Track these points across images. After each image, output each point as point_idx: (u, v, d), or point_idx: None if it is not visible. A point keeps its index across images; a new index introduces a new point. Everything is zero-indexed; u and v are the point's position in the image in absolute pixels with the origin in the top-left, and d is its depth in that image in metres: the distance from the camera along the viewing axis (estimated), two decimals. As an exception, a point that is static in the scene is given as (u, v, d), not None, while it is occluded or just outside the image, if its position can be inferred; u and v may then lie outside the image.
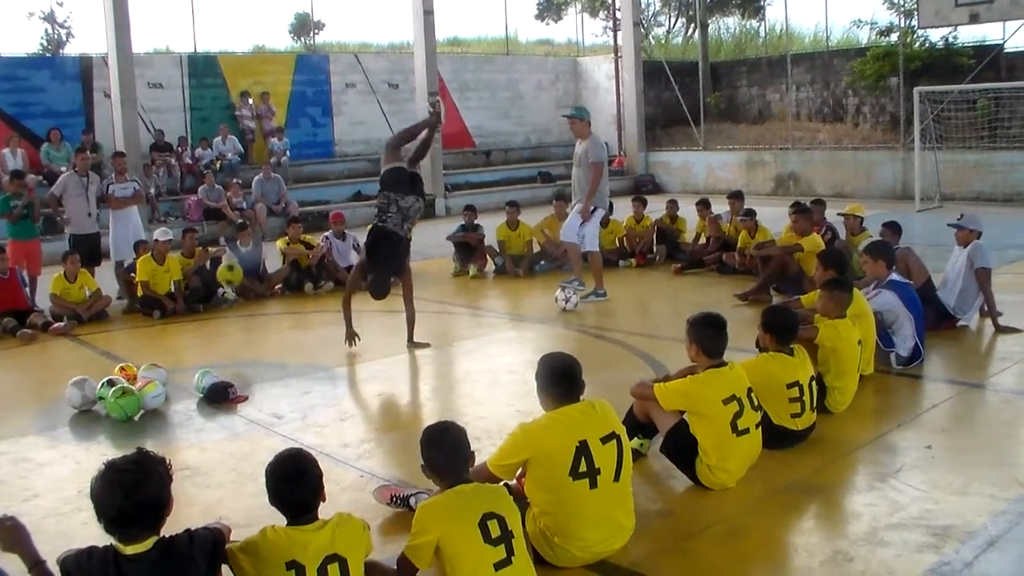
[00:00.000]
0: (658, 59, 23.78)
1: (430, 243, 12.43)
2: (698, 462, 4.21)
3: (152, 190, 15.01)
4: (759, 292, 8.66)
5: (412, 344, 7.33)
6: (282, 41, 27.82)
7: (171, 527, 2.77)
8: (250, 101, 18.17)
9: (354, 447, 5.11)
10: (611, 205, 10.11)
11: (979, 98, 16.70)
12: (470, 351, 7.57)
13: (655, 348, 6.99)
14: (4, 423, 5.87)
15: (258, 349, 7.95)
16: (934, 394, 5.69)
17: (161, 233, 9.49)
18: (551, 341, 7.52)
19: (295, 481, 2.93)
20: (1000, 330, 7.02)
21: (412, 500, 4.02)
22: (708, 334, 4.35)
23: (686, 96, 22.03)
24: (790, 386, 4.61)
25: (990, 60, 17.86)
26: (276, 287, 10.32)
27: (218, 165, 16.74)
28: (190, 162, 16.77)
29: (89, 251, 9.95)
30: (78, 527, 4.04)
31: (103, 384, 5.92)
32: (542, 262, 11.20)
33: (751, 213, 10.02)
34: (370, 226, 7.10)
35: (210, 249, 10.76)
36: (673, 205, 11.76)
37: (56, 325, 8.63)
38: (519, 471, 3.66)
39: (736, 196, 10.84)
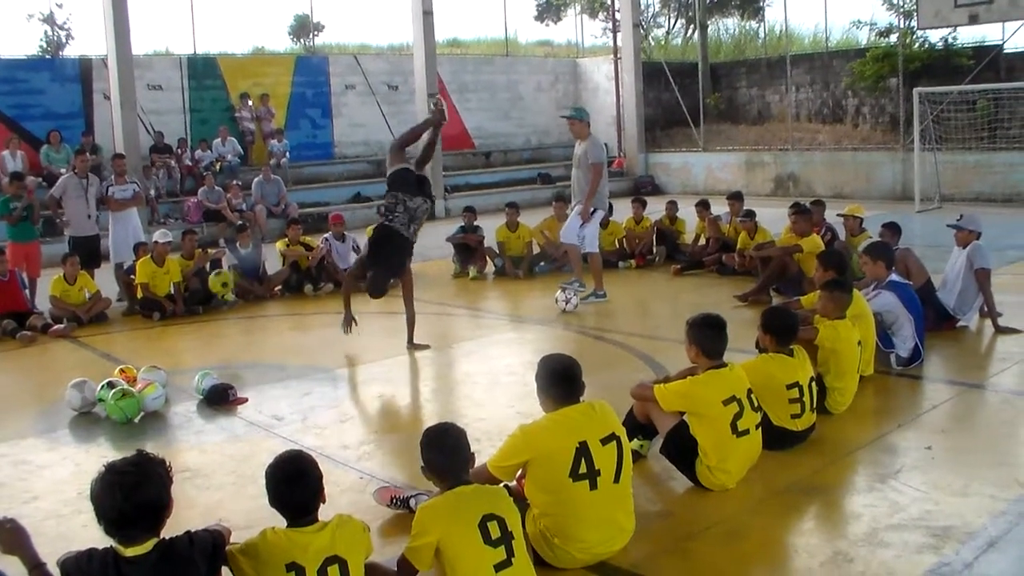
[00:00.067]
0: (658, 60, 23.79)
1: (430, 245, 12.38)
2: (698, 463, 4.21)
3: (152, 192, 15.02)
4: (759, 293, 8.66)
5: (412, 346, 7.33)
6: (282, 43, 27.92)
7: (171, 529, 2.77)
8: (250, 103, 18.17)
9: (354, 449, 5.11)
10: (611, 206, 10.11)
11: (979, 99, 16.69)
12: (470, 352, 7.58)
13: (655, 349, 6.99)
14: (4, 425, 5.86)
15: (258, 351, 7.95)
16: (934, 395, 5.69)
17: (161, 235, 9.49)
18: (551, 342, 7.52)
19: (295, 483, 2.93)
20: (1000, 331, 7.02)
21: (412, 501, 4.01)
22: (708, 335, 4.35)
23: (686, 97, 22.03)
24: (790, 387, 4.62)
25: (989, 61, 17.86)
26: (276, 289, 10.32)
27: (218, 167, 16.74)
28: (190, 164, 16.76)
29: (89, 253, 9.95)
30: (78, 529, 4.04)
31: (103, 386, 5.91)
32: (542, 263, 11.20)
33: (751, 214, 10.02)
34: (376, 224, 7.08)
35: (210, 251, 10.77)
36: (673, 206, 11.75)
37: (56, 327, 8.63)
38: (519, 472, 3.65)
39: (736, 197, 10.84)
